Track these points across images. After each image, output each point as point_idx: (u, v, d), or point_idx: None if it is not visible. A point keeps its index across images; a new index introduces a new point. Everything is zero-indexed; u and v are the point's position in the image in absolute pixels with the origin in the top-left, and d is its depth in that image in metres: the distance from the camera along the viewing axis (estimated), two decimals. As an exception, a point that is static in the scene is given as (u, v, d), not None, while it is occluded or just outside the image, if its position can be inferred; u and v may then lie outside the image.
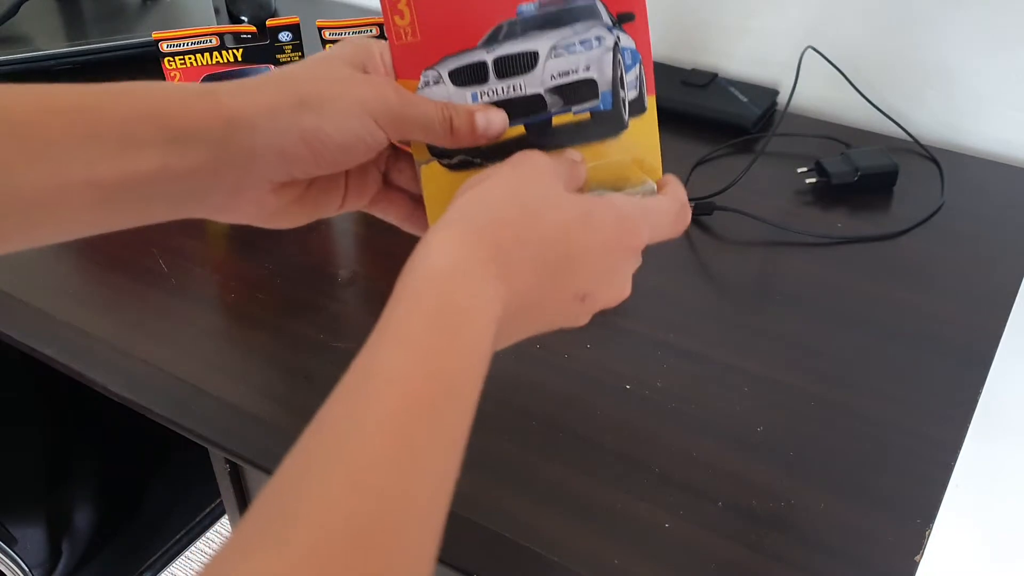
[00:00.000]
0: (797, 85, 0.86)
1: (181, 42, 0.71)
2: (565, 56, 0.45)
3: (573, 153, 0.45)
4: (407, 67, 0.44)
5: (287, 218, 0.45)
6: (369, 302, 0.67)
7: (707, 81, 0.92)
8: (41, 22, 1.04)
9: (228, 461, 0.67)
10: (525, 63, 0.44)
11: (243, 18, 1.07)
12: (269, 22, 0.72)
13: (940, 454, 0.55)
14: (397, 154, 0.47)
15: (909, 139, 0.86)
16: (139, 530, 0.96)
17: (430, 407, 0.32)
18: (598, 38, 0.45)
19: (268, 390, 0.59)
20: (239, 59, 0.72)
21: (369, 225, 0.49)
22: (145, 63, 0.83)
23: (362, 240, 0.74)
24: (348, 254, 0.73)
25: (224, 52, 0.72)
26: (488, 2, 0.43)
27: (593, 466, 0.54)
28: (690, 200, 0.73)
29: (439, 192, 0.45)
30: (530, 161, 0.42)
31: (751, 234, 0.74)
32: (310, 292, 0.67)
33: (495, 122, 0.44)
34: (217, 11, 1.07)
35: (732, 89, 0.91)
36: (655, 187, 0.46)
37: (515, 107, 0.45)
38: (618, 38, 0.45)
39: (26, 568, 0.87)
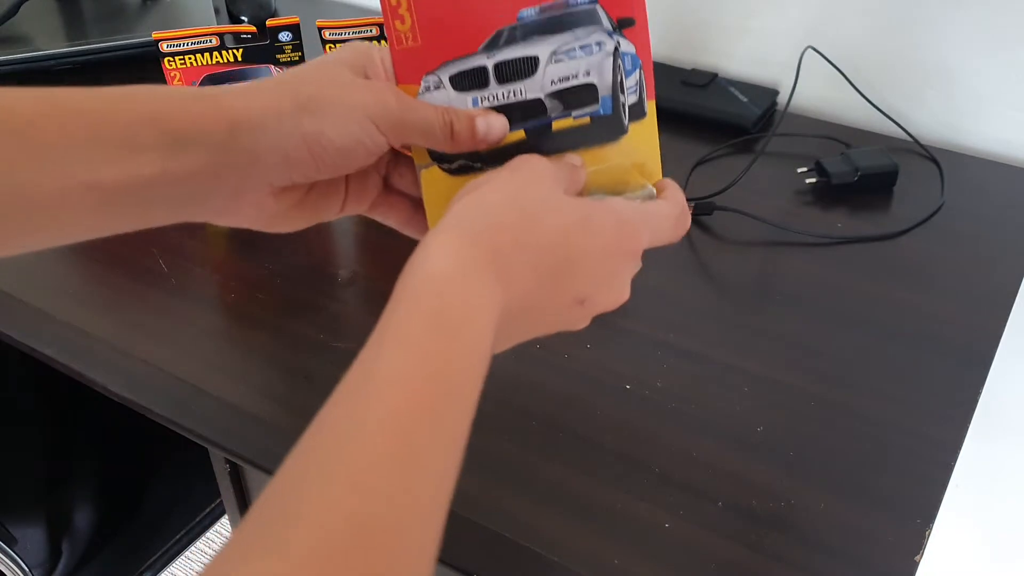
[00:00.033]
0: (797, 85, 0.86)
1: (181, 42, 0.71)
2: (565, 61, 0.45)
3: (573, 157, 0.45)
4: (408, 72, 0.44)
5: (287, 222, 0.45)
6: (369, 302, 0.67)
7: (707, 81, 0.92)
8: (41, 22, 1.04)
9: (228, 461, 0.67)
10: (525, 68, 0.44)
11: (243, 18, 1.07)
12: (269, 22, 0.72)
13: (940, 454, 0.55)
14: (397, 158, 0.47)
15: (909, 139, 0.86)
16: (139, 530, 0.96)
17: (430, 409, 0.32)
18: (598, 43, 0.45)
19: (268, 390, 0.59)
20: (239, 59, 0.72)
21: (369, 225, 0.49)
22: (145, 63, 0.83)
23: (362, 240, 0.74)
24: (348, 254, 0.73)
25: (224, 52, 0.72)
26: (489, 8, 0.44)
27: (593, 466, 0.54)
28: (690, 200, 0.74)
29: (439, 196, 0.45)
30: (529, 165, 0.42)
31: (751, 234, 0.74)
32: (310, 292, 0.67)
33: (495, 127, 0.44)
34: (217, 11, 1.07)
35: (732, 89, 0.91)
36: (655, 192, 0.46)
37: (515, 112, 0.45)
38: (618, 43, 0.45)
39: (26, 568, 0.87)
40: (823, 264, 0.71)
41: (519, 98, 0.45)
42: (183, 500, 1.00)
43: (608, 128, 0.46)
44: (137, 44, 0.99)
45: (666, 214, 0.44)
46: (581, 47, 0.45)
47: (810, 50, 0.88)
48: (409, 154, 0.46)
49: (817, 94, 0.91)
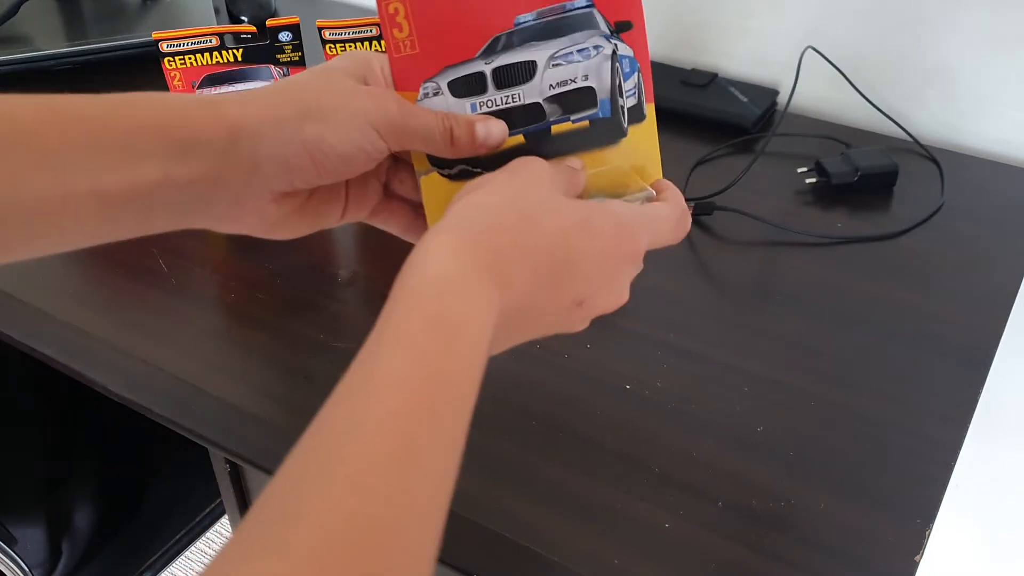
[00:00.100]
0: (797, 85, 0.86)
1: (181, 42, 0.71)
2: (563, 65, 0.45)
3: (573, 160, 0.45)
4: (406, 79, 0.44)
5: (288, 228, 0.45)
6: (369, 302, 0.67)
7: (707, 81, 0.92)
8: (41, 22, 1.04)
9: (228, 461, 0.67)
10: (523, 73, 0.45)
11: (243, 18, 1.07)
12: (269, 22, 0.72)
13: (940, 454, 0.55)
14: (397, 165, 0.48)
15: (909, 139, 0.86)
16: (139, 530, 0.96)
17: (429, 409, 0.32)
18: (596, 47, 0.45)
19: (268, 390, 0.59)
20: (239, 59, 0.72)
21: (369, 226, 0.49)
22: (145, 63, 0.83)
23: (362, 240, 0.74)
24: (348, 254, 0.73)
25: (224, 52, 0.72)
26: (486, 14, 0.44)
27: (593, 466, 0.54)
28: (690, 200, 0.74)
29: (439, 202, 0.45)
30: (528, 167, 0.42)
31: (751, 234, 0.74)
32: (310, 292, 0.67)
33: (495, 132, 0.44)
34: (217, 11, 1.07)
35: (732, 89, 0.91)
36: (655, 194, 0.46)
37: (514, 116, 0.45)
38: (616, 46, 0.45)
39: (26, 568, 0.87)
40: (823, 264, 0.71)
41: (518, 103, 0.45)
42: (183, 500, 1.00)
43: (607, 131, 0.46)
44: (137, 44, 0.99)
45: (665, 216, 0.44)
46: (579, 51, 0.45)
47: (810, 50, 0.88)
48: (408, 160, 0.46)
49: (817, 94, 0.91)
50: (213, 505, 1.02)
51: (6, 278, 0.68)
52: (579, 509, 0.51)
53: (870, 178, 0.78)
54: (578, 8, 0.45)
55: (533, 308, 0.39)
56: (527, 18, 0.44)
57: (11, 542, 0.87)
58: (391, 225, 0.49)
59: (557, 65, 0.45)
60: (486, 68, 0.44)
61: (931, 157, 0.83)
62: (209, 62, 0.72)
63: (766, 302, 0.67)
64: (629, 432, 0.56)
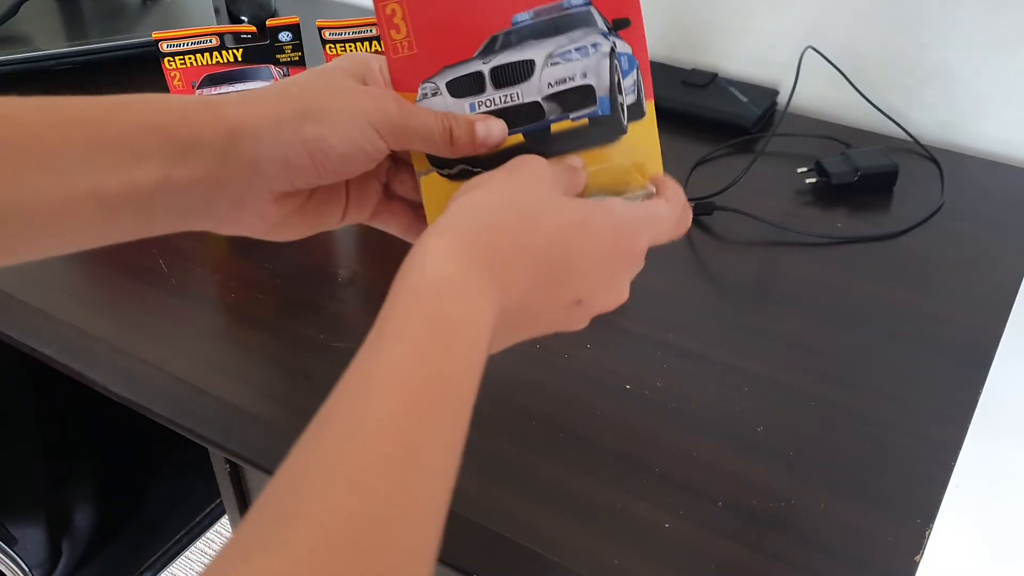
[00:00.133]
0: (797, 85, 0.86)
1: (181, 42, 0.71)
2: (561, 64, 0.45)
3: (574, 159, 0.45)
4: (405, 80, 0.44)
5: (289, 230, 0.45)
6: (369, 302, 0.67)
7: (707, 81, 0.92)
8: (41, 22, 1.04)
9: (228, 461, 0.67)
10: (522, 72, 0.45)
11: (243, 18, 1.07)
12: (269, 22, 0.72)
13: (940, 454, 0.55)
14: (398, 165, 0.48)
15: (909, 139, 0.86)
16: (139, 530, 0.97)
17: (429, 409, 0.32)
18: (594, 45, 0.45)
19: (268, 390, 0.59)
20: (239, 59, 0.72)
21: (369, 226, 0.49)
22: (145, 63, 0.83)
23: (362, 240, 0.74)
24: (348, 254, 0.73)
25: (224, 52, 0.72)
26: (483, 13, 0.44)
27: (593, 466, 0.54)
28: (690, 200, 0.74)
29: (439, 202, 0.45)
30: (527, 166, 0.42)
31: (751, 234, 0.74)
32: (310, 292, 0.67)
33: (494, 131, 0.44)
34: (217, 11, 1.07)
35: (732, 89, 0.91)
36: (655, 191, 0.46)
37: (513, 116, 0.45)
38: (614, 44, 0.45)
39: (26, 568, 0.87)
40: (823, 264, 0.71)
41: (516, 102, 0.45)
42: (183, 500, 1.00)
43: (607, 129, 0.46)
44: (137, 44, 0.99)
45: (666, 215, 0.44)
46: (577, 49, 0.45)
47: (810, 50, 0.88)
48: (408, 160, 0.46)
49: (817, 94, 0.91)
50: (213, 505, 1.02)
51: (6, 278, 0.68)
52: (579, 509, 0.51)
53: (870, 178, 0.78)
54: (576, 6, 0.45)
55: (532, 307, 0.39)
56: (524, 17, 0.44)
57: (11, 542, 0.87)
58: (392, 226, 0.49)
59: (555, 63, 0.45)
60: (484, 68, 0.44)
61: (931, 157, 0.83)
62: (209, 62, 0.72)
63: (766, 302, 0.67)
64: (629, 432, 0.56)
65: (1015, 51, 0.82)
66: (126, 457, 0.98)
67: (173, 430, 0.59)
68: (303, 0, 1.15)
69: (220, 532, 1.30)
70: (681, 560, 0.49)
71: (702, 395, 0.58)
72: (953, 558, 1.10)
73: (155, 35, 0.70)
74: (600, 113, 0.46)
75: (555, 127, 0.46)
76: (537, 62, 0.45)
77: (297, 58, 0.74)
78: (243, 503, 0.71)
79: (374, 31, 0.72)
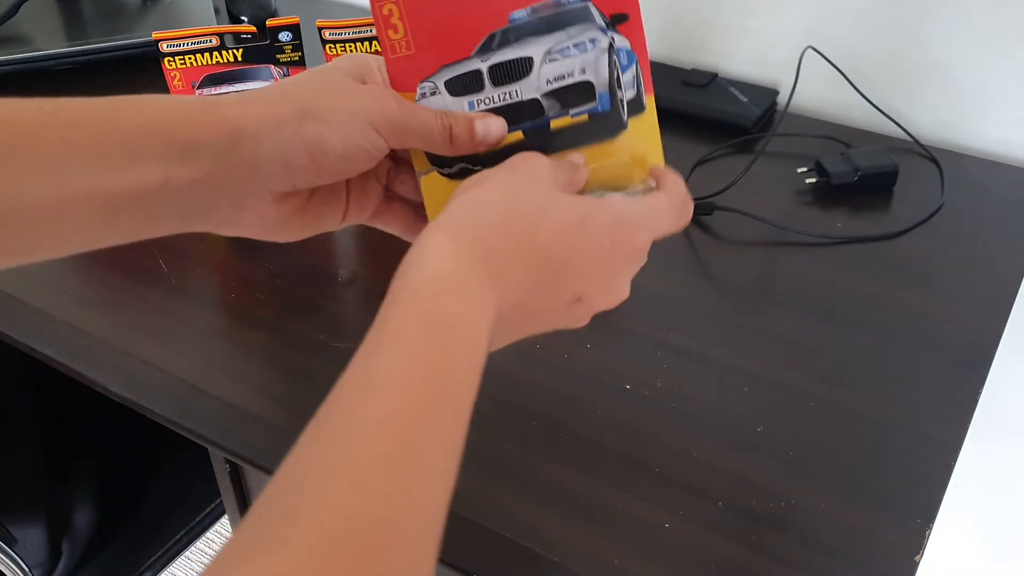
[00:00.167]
0: (797, 85, 0.86)
1: (181, 42, 0.71)
2: (560, 60, 0.45)
3: (575, 156, 0.45)
4: (403, 80, 0.44)
5: (289, 230, 0.45)
6: (369, 302, 0.67)
7: (707, 81, 0.92)
8: (41, 22, 1.04)
9: (228, 461, 0.67)
10: (520, 69, 0.45)
11: (243, 18, 1.07)
12: (269, 22, 0.72)
13: (940, 454, 0.55)
14: (398, 165, 0.48)
15: (909, 139, 0.86)
16: (139, 530, 0.96)
17: (429, 409, 0.32)
18: (592, 40, 0.45)
19: (268, 390, 0.59)
20: (239, 59, 0.72)
21: (369, 226, 0.49)
22: (145, 63, 0.83)
23: (362, 240, 0.74)
24: (348, 254, 0.73)
25: (224, 52, 0.72)
26: (480, 12, 0.44)
27: (593, 466, 0.54)
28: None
29: (440, 202, 0.45)
30: (527, 164, 0.42)
31: (751, 234, 0.74)
32: (310, 292, 0.67)
33: (494, 128, 0.44)
34: (217, 11, 1.07)
35: (732, 89, 0.91)
36: (656, 185, 0.46)
37: (513, 113, 0.45)
38: (612, 39, 0.45)
39: (26, 568, 0.87)
40: (823, 264, 0.71)
41: (515, 99, 0.45)
42: (183, 500, 1.00)
43: (607, 124, 0.46)
44: (137, 44, 0.99)
45: (665, 209, 0.44)
46: (575, 45, 0.45)
47: (810, 50, 0.88)
48: (408, 160, 0.46)
49: (817, 94, 0.91)
50: (213, 505, 1.02)
51: (6, 278, 0.68)
52: (579, 509, 0.51)
53: (870, 178, 0.78)
54: (573, 2, 0.44)
55: (532, 305, 0.39)
56: (521, 14, 0.44)
57: (11, 542, 0.87)
58: (393, 226, 0.49)
59: (553, 60, 0.45)
60: (482, 66, 0.44)
61: (931, 157, 0.83)
62: (209, 62, 0.72)
63: (766, 302, 0.67)
64: (629, 432, 0.56)
65: (1015, 51, 0.82)
66: (126, 457, 0.98)
67: (173, 430, 0.59)
68: (303, 0, 1.15)
69: (220, 532, 1.30)
70: (681, 560, 0.49)
71: (702, 395, 0.58)
72: (953, 558, 1.10)
73: (155, 35, 0.70)
74: (600, 109, 0.46)
75: (555, 124, 0.46)
76: (535, 59, 0.45)
77: (297, 58, 0.74)
78: (243, 503, 0.71)
79: (374, 31, 0.72)
